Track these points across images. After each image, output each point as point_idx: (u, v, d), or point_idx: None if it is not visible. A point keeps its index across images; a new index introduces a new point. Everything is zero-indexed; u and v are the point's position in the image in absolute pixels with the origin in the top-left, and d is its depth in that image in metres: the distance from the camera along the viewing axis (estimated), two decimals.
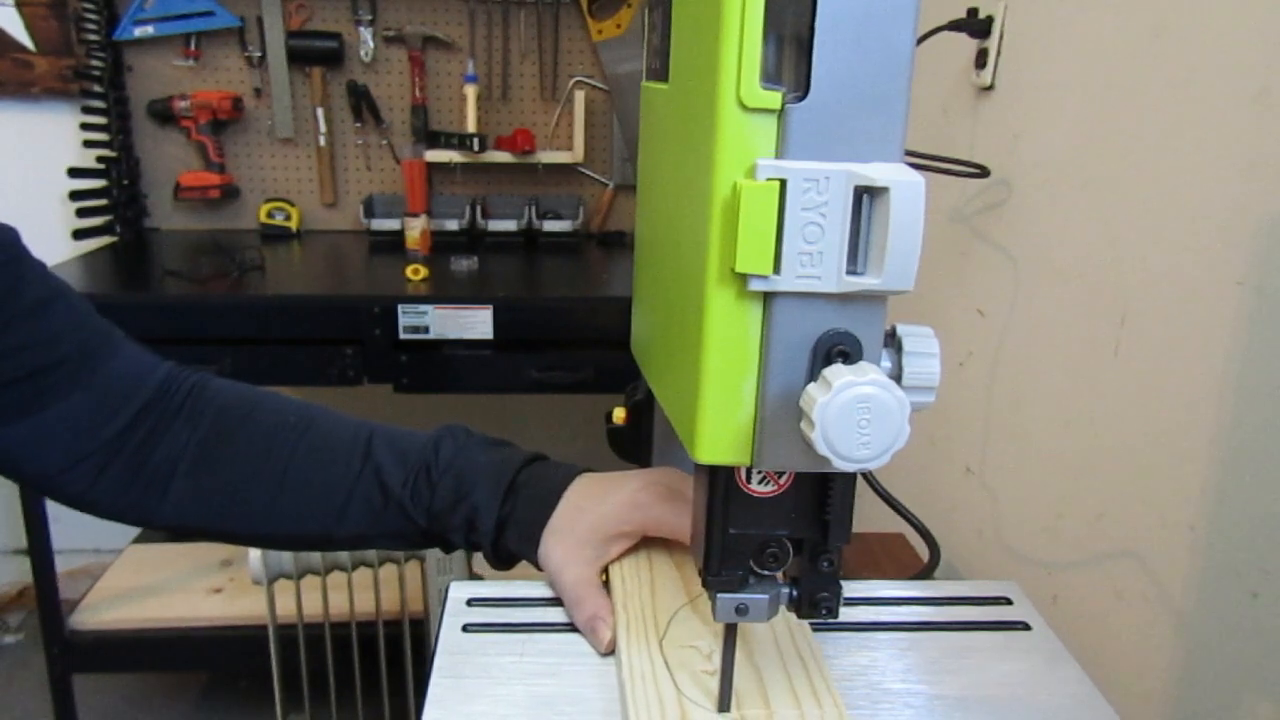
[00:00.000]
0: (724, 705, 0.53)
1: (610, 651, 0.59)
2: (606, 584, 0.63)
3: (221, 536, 0.68)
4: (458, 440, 0.67)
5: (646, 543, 0.65)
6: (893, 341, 0.45)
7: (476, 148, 2.08)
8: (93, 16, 1.97)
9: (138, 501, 0.65)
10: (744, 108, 0.40)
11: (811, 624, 0.61)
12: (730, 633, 0.52)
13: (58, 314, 0.61)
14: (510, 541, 0.64)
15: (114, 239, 2.03)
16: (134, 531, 2.01)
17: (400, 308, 1.63)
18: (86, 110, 2.00)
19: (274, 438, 0.66)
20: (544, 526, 0.63)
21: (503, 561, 0.66)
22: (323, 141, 2.14)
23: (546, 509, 0.63)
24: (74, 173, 1.94)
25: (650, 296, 0.58)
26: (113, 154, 2.03)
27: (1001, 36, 1.05)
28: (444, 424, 0.69)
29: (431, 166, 2.12)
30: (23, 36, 2.03)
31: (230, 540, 0.69)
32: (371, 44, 2.09)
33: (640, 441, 0.75)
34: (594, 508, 0.63)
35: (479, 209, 2.14)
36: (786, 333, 0.42)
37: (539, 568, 0.64)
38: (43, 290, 0.61)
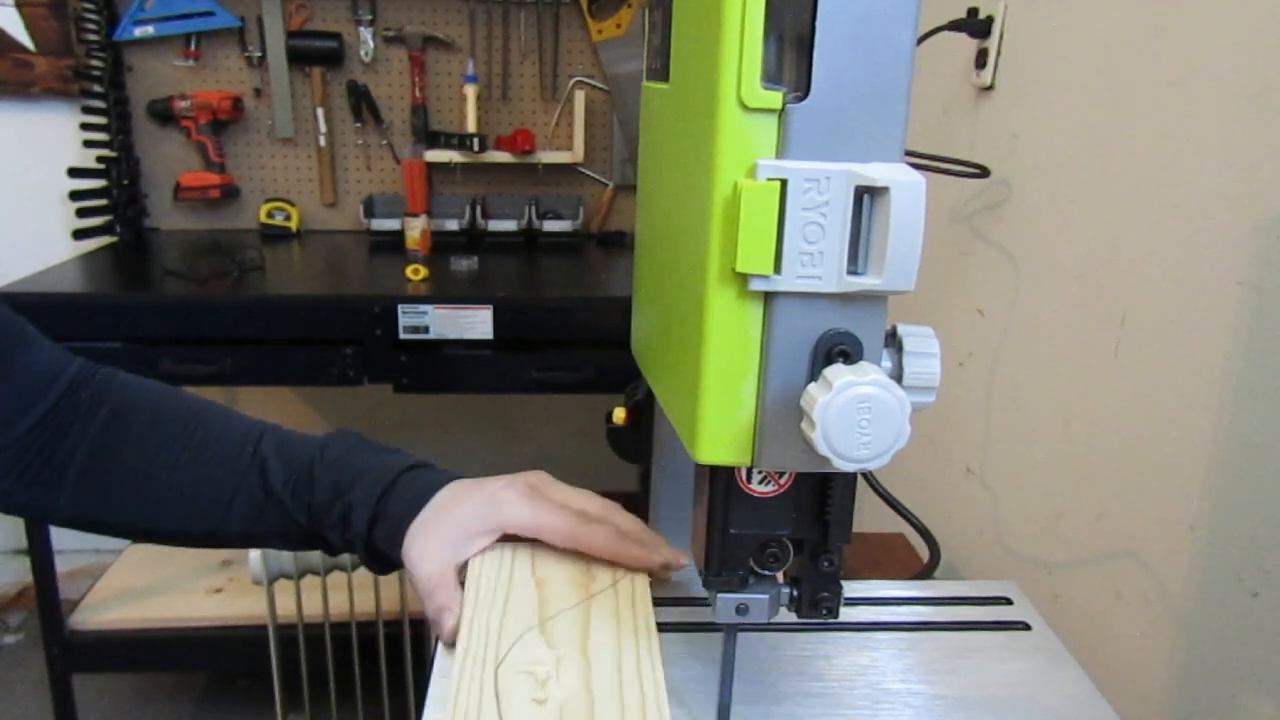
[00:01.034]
0: (723, 715, 0.53)
1: (452, 643, 0.59)
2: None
3: (112, 530, 0.68)
4: (346, 443, 0.68)
5: (510, 561, 0.64)
6: (893, 341, 0.45)
7: (476, 148, 2.08)
8: (93, 16, 1.97)
9: (37, 497, 0.65)
10: (745, 107, 0.40)
11: (812, 624, 0.61)
12: (730, 635, 0.52)
13: None
14: (379, 539, 0.64)
15: (114, 239, 2.02)
16: None
17: (400, 308, 1.63)
18: (86, 110, 1.99)
19: (166, 434, 0.66)
20: (409, 526, 0.63)
21: (375, 562, 0.66)
22: (323, 141, 2.14)
23: (414, 509, 0.64)
24: (74, 173, 1.94)
25: (650, 296, 0.58)
26: (113, 154, 2.03)
27: (1001, 36, 1.05)
28: (339, 428, 0.69)
29: (431, 166, 2.12)
30: (23, 36, 2.03)
31: (120, 535, 0.69)
32: (371, 44, 2.09)
33: (640, 441, 0.75)
34: (455, 507, 0.64)
35: (479, 209, 2.14)
36: (787, 332, 0.42)
37: (402, 567, 0.64)
38: None
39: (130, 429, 0.66)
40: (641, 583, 0.61)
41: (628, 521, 0.64)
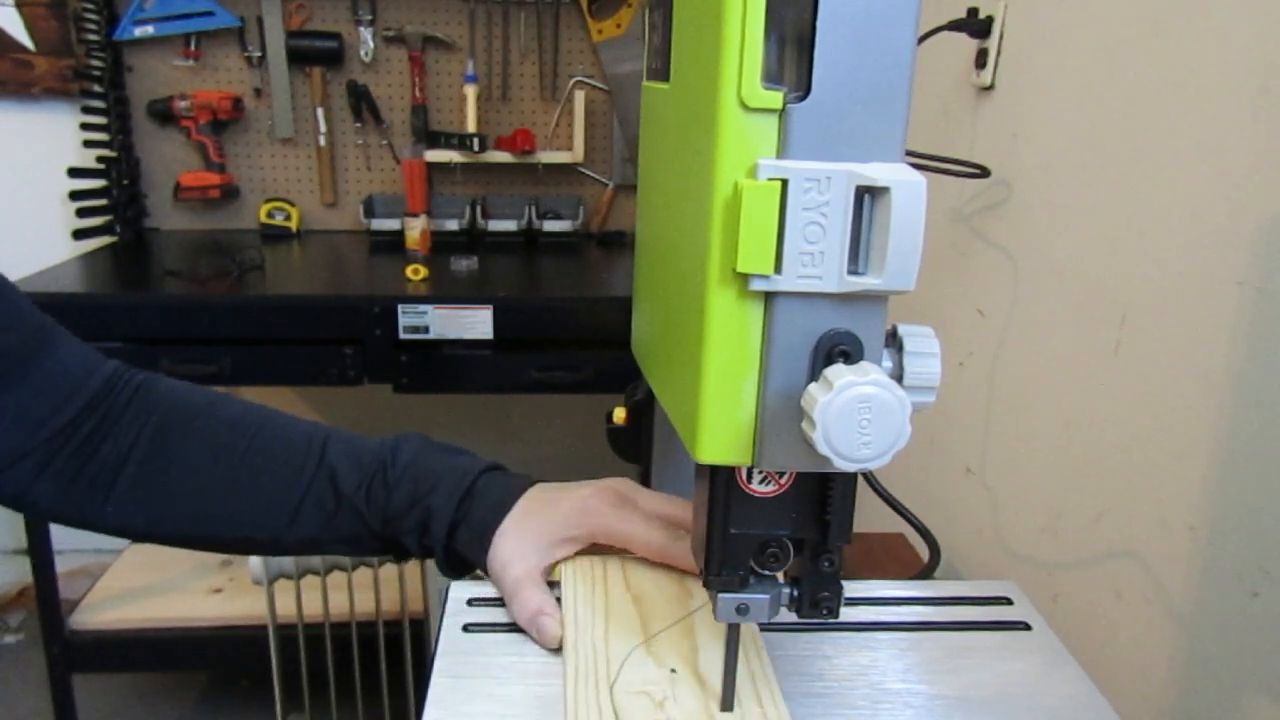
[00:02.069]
0: (727, 705, 0.53)
1: (557, 648, 0.59)
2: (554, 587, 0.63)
3: (166, 539, 0.67)
4: (416, 445, 0.67)
5: (603, 577, 0.63)
6: (893, 341, 0.45)
7: (476, 148, 2.08)
8: (93, 16, 1.97)
9: (80, 502, 0.63)
10: (745, 107, 0.40)
11: (812, 624, 0.61)
12: (733, 633, 0.52)
13: None
14: (461, 544, 0.64)
15: (114, 239, 2.03)
16: None
17: (400, 308, 1.63)
18: (86, 110, 2.00)
19: (225, 439, 0.65)
20: (495, 530, 0.63)
21: (453, 567, 0.65)
22: (323, 141, 2.14)
23: (499, 513, 0.63)
24: (74, 173, 1.94)
25: (651, 296, 0.58)
26: (113, 154, 2.03)
27: (1001, 36, 1.05)
28: (403, 431, 0.69)
29: (431, 166, 2.12)
30: (23, 36, 2.03)
31: (173, 543, 0.68)
32: (371, 44, 2.09)
33: (640, 441, 0.75)
34: (543, 512, 0.63)
35: (479, 209, 2.14)
36: (787, 332, 0.42)
37: (486, 572, 0.64)
38: None
39: (184, 436, 0.65)
40: (752, 636, 0.60)
41: None
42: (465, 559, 0.64)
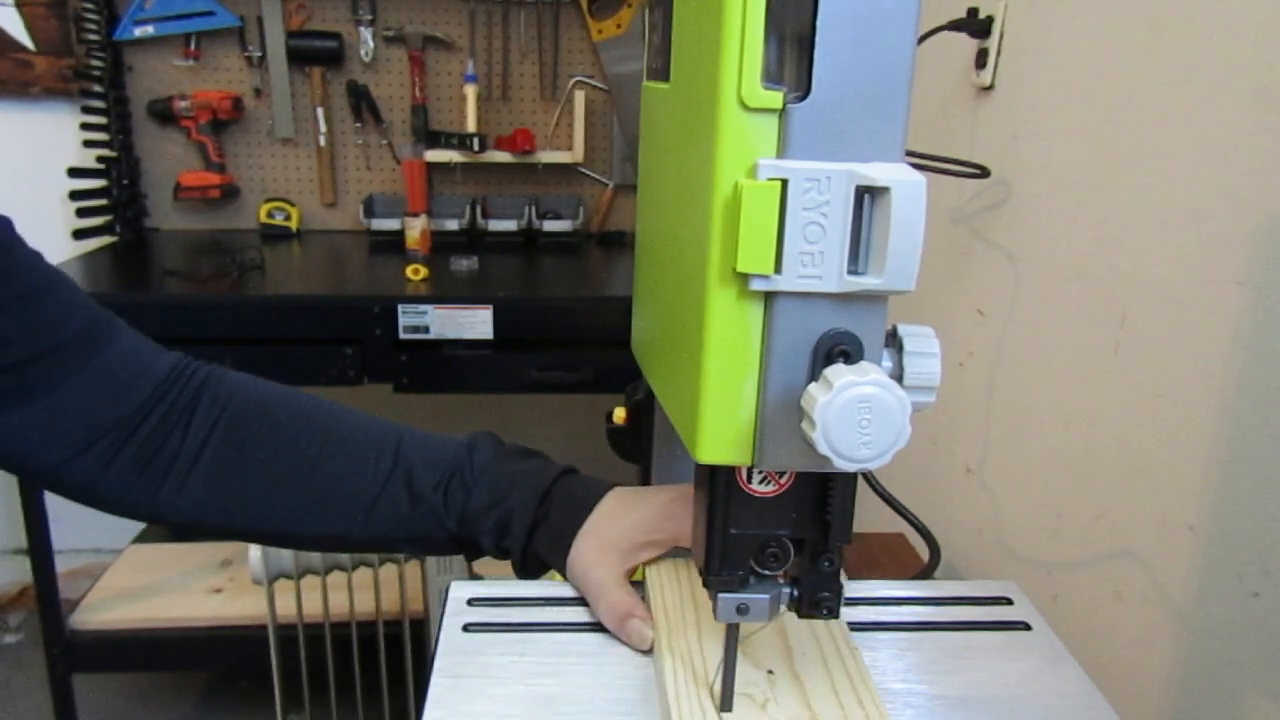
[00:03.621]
0: (726, 705, 0.53)
1: (648, 648, 0.59)
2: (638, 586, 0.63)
3: (237, 534, 0.67)
4: (492, 446, 0.67)
5: (689, 578, 0.63)
6: (893, 341, 0.45)
7: (476, 148, 2.08)
8: (93, 16, 1.97)
9: (151, 494, 0.63)
10: (745, 107, 0.40)
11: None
12: (731, 633, 0.52)
13: (51, 303, 0.60)
14: (540, 546, 0.64)
15: (114, 239, 2.03)
16: (134, 531, 2.01)
17: (400, 308, 1.63)
18: (86, 110, 2.00)
19: (299, 435, 0.65)
20: (576, 533, 0.63)
21: (529, 569, 0.65)
22: (323, 141, 2.14)
23: (580, 516, 0.63)
24: (74, 173, 1.94)
25: (651, 296, 0.58)
26: (113, 154, 2.03)
27: (1001, 36, 1.05)
28: (477, 430, 0.69)
29: (431, 166, 2.12)
30: (23, 36, 2.03)
31: (244, 538, 0.68)
32: (371, 44, 2.09)
33: (640, 441, 0.75)
34: (626, 515, 0.63)
35: (479, 209, 2.14)
36: (787, 332, 0.42)
37: (565, 576, 0.64)
38: (35, 279, 0.60)
39: (258, 430, 0.65)
40: (843, 634, 0.60)
41: None
42: (542, 561, 0.64)
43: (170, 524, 0.65)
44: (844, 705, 0.53)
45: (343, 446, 0.66)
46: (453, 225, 2.13)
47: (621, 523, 0.63)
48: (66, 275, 0.63)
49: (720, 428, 0.44)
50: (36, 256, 0.61)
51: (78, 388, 0.61)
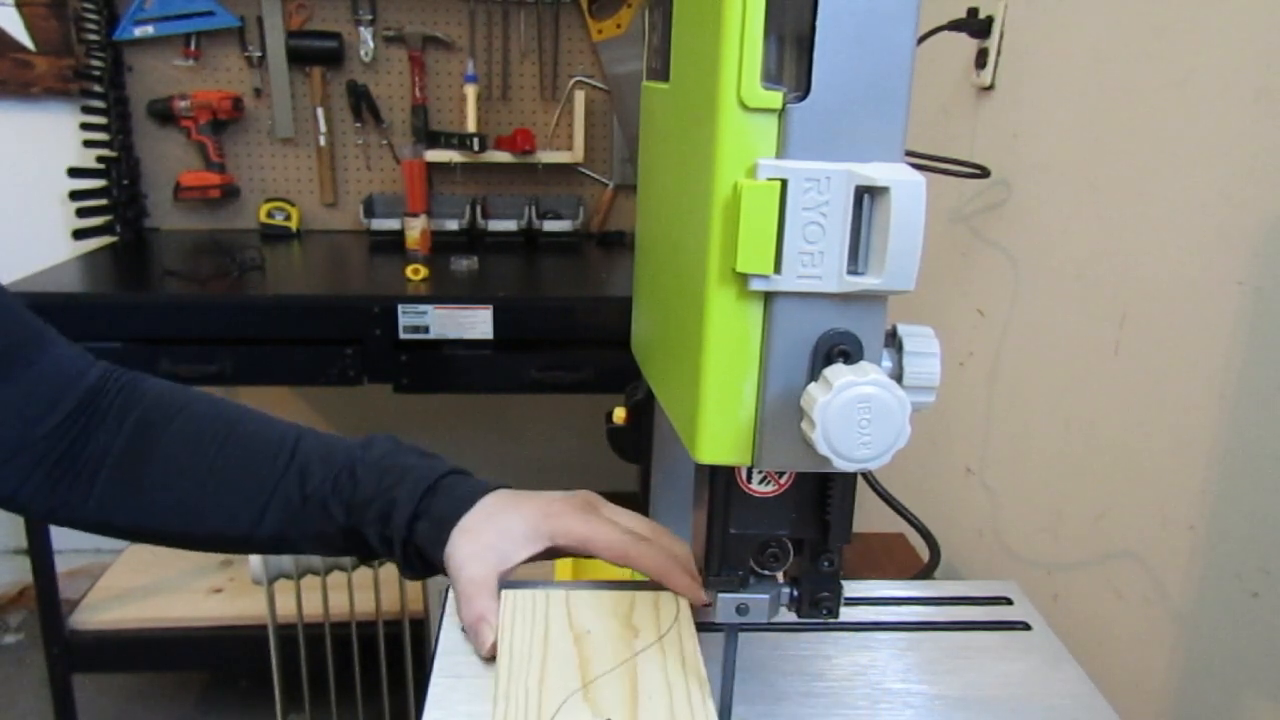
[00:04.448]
0: (725, 713, 0.53)
1: (490, 657, 0.57)
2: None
3: (146, 536, 0.68)
4: (387, 444, 0.67)
5: (545, 611, 0.60)
6: (893, 341, 0.45)
7: (476, 148, 2.08)
8: (93, 16, 1.97)
9: (66, 501, 0.64)
10: (745, 107, 0.40)
11: (812, 624, 0.61)
12: (732, 636, 0.52)
13: None
14: (420, 537, 0.63)
15: (114, 239, 2.02)
16: None
17: (400, 308, 1.63)
18: (86, 110, 1.99)
19: (201, 436, 0.66)
20: (455, 525, 0.62)
21: (411, 565, 0.65)
22: (323, 141, 2.14)
23: (461, 509, 0.63)
24: (74, 173, 1.94)
25: (651, 296, 0.58)
26: (113, 154, 2.03)
27: (1001, 36, 1.05)
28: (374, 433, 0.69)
29: (431, 166, 2.12)
30: (23, 36, 2.03)
31: (153, 540, 0.68)
32: (371, 44, 2.09)
33: (640, 441, 0.75)
34: (505, 512, 0.63)
35: (479, 209, 2.14)
36: (787, 332, 0.42)
37: (443, 570, 0.63)
38: None
39: (162, 433, 0.66)
40: (689, 636, 0.57)
41: (678, 546, 0.61)
42: (424, 554, 0.64)
43: (83, 529, 0.66)
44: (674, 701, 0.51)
45: (241, 447, 0.66)
46: (453, 225, 2.13)
47: (500, 519, 0.62)
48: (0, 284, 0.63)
49: (720, 428, 0.44)
50: None
51: (4, 401, 0.61)
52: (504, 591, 0.61)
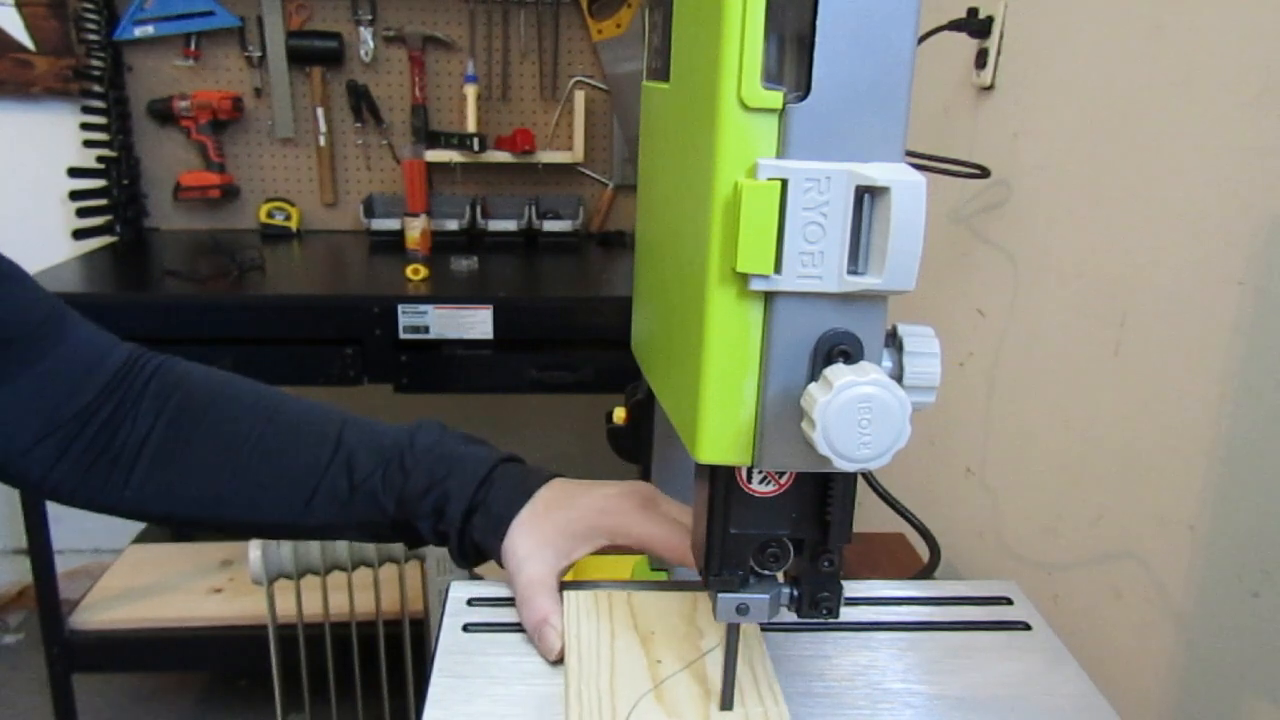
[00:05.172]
0: (726, 704, 0.53)
1: (558, 660, 0.57)
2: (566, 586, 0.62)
3: (184, 522, 0.67)
4: (434, 432, 0.66)
5: (609, 612, 0.61)
6: (893, 341, 0.45)
7: (476, 148, 2.08)
8: (93, 16, 1.97)
9: (100, 486, 0.63)
10: (745, 107, 0.40)
11: (812, 624, 0.61)
12: (732, 633, 0.52)
13: (6, 296, 0.60)
14: (476, 531, 0.63)
15: (114, 239, 2.03)
16: (134, 531, 2.01)
17: (400, 308, 1.63)
18: (86, 110, 2.00)
19: (242, 423, 0.65)
20: (512, 520, 0.62)
21: (466, 556, 0.65)
22: (323, 141, 2.14)
23: (517, 503, 0.63)
24: (74, 173, 1.94)
25: (651, 296, 0.58)
26: (113, 154, 2.03)
27: (1001, 36, 1.05)
28: (421, 418, 0.68)
29: (431, 166, 2.12)
30: (23, 36, 2.03)
31: (192, 526, 0.68)
32: (371, 44, 2.09)
33: (640, 441, 0.75)
34: (563, 507, 0.62)
35: (479, 209, 2.14)
36: (787, 332, 0.42)
37: (500, 563, 0.63)
38: None
39: (202, 419, 0.65)
40: (755, 637, 0.58)
41: None
42: (479, 547, 0.64)
43: (119, 515, 0.65)
44: (745, 702, 0.52)
45: (285, 434, 0.65)
46: (453, 225, 2.13)
47: (557, 515, 0.62)
48: (19, 268, 0.63)
49: (720, 428, 0.44)
50: None
51: (29, 383, 0.61)
52: (566, 593, 0.61)
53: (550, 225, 2.15)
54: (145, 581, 1.82)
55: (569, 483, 0.65)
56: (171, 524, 0.69)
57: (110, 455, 0.63)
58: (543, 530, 0.62)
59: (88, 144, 2.00)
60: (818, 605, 0.50)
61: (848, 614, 0.64)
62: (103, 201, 2.00)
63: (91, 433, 0.63)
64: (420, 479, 0.64)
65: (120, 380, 0.64)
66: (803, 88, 0.40)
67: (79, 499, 0.64)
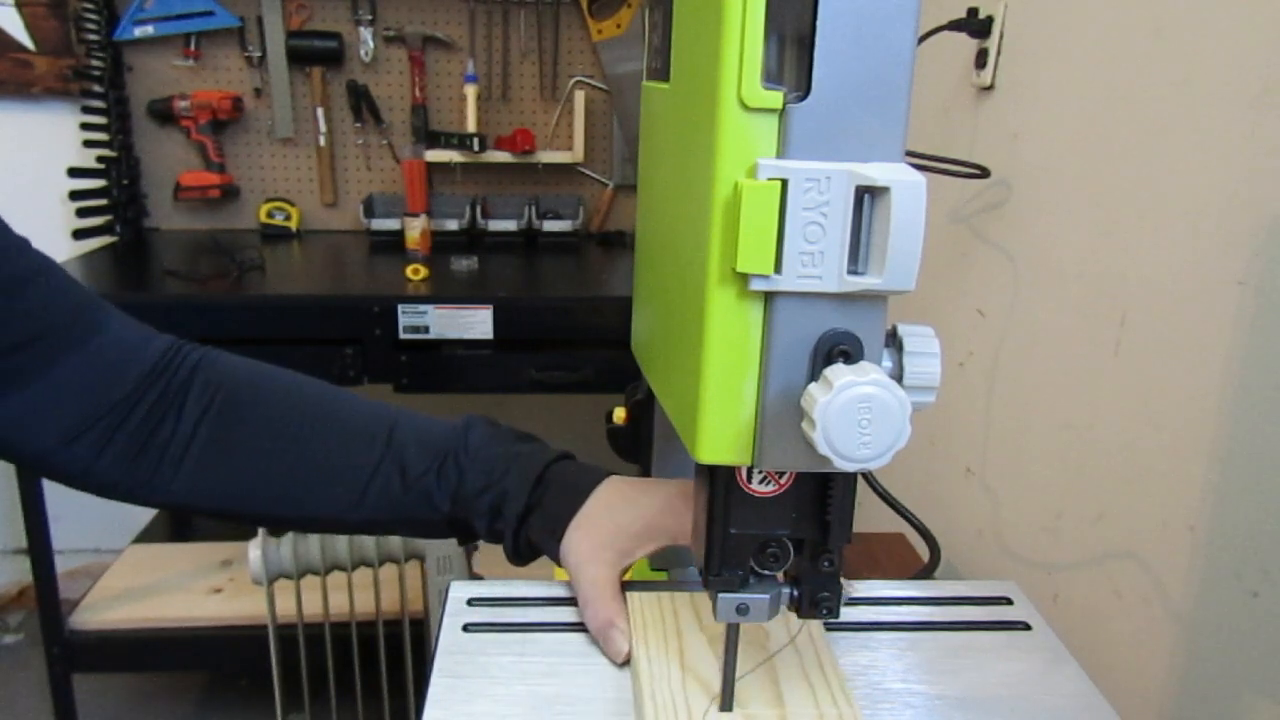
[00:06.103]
0: (726, 705, 0.53)
1: (624, 662, 0.58)
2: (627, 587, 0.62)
3: (233, 516, 0.67)
4: (487, 429, 0.66)
5: (674, 614, 0.61)
6: (893, 341, 0.45)
7: (476, 148, 2.08)
8: (93, 16, 1.97)
9: (145, 480, 0.63)
10: (745, 107, 0.40)
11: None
12: (732, 633, 0.52)
13: (38, 289, 0.60)
14: (533, 531, 0.63)
15: (114, 239, 2.03)
16: (134, 531, 2.01)
17: (400, 308, 1.63)
18: (86, 110, 1.99)
19: (293, 418, 0.65)
20: (570, 520, 0.62)
21: (521, 555, 0.65)
22: (323, 141, 2.14)
23: (575, 503, 0.62)
24: (74, 173, 1.94)
25: (651, 296, 0.58)
26: (113, 154, 2.03)
27: (1001, 36, 1.05)
28: (469, 414, 0.68)
29: (431, 166, 2.12)
30: (23, 36, 2.03)
31: (242, 520, 0.68)
32: (371, 44, 2.09)
33: (640, 441, 0.75)
34: (624, 508, 0.62)
35: (479, 209, 2.14)
36: (787, 332, 0.42)
37: (558, 563, 0.63)
38: (21, 266, 0.59)
39: (250, 414, 0.65)
40: (819, 635, 0.58)
41: None
42: (535, 547, 0.64)
43: (165, 508, 0.65)
44: (819, 704, 0.52)
45: (336, 429, 0.65)
46: (453, 225, 2.13)
47: (617, 516, 0.62)
48: (54, 262, 0.62)
49: (720, 428, 0.44)
50: (24, 243, 0.60)
51: (67, 375, 0.60)
52: (630, 594, 0.61)
53: (550, 225, 2.15)
54: (145, 581, 1.82)
55: (627, 481, 0.65)
56: (221, 517, 0.68)
57: (157, 447, 0.63)
58: (602, 531, 0.61)
59: (88, 144, 2.00)
60: (818, 605, 0.50)
61: (848, 614, 0.64)
62: (103, 201, 2.00)
63: (135, 423, 0.62)
64: (476, 478, 0.64)
65: (161, 371, 0.64)
66: (803, 88, 0.40)
67: (123, 491, 0.64)
